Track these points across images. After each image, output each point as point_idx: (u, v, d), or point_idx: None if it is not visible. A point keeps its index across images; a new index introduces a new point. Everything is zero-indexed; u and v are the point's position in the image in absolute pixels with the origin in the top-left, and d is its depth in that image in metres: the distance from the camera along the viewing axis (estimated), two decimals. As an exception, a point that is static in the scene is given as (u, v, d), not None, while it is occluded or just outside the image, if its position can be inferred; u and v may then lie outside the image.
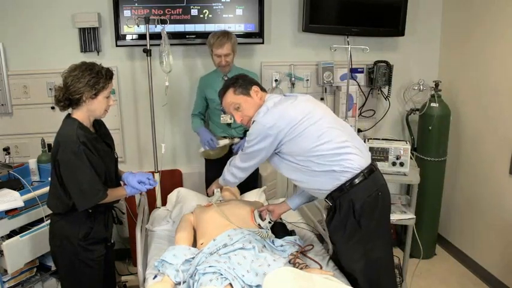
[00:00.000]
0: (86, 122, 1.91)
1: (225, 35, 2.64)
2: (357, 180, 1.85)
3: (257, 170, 3.02)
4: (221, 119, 2.79)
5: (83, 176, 1.83)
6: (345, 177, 1.84)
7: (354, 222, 1.85)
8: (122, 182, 2.11)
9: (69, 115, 1.93)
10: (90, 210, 1.93)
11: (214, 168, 2.87)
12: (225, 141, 2.76)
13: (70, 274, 1.98)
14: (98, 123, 2.04)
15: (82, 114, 1.90)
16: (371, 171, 1.88)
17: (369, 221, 1.86)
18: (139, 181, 2.05)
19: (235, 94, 2.04)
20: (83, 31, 2.89)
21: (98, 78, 1.87)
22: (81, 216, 1.92)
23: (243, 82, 2.05)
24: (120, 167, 3.12)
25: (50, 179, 1.96)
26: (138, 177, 2.06)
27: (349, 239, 1.90)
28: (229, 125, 2.81)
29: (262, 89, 2.10)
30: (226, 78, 2.78)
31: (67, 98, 1.85)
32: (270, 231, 2.17)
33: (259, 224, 2.19)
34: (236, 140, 2.79)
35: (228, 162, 2.22)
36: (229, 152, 2.82)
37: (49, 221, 2.16)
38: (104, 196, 1.89)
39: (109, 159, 2.01)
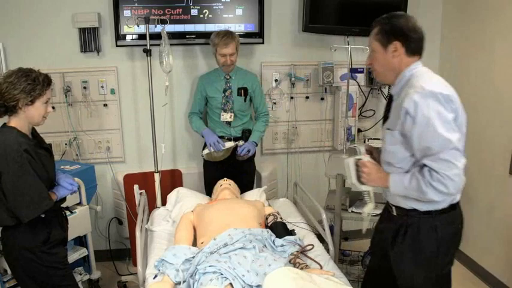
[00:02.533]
0: (25, 130, 1.86)
1: (230, 34, 2.65)
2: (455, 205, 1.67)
3: (254, 168, 3.02)
4: (221, 117, 2.79)
5: (28, 185, 1.78)
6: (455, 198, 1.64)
7: (433, 250, 1.68)
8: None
9: (4, 124, 1.86)
10: (43, 216, 1.88)
11: (213, 168, 2.87)
12: (230, 144, 2.77)
13: (42, 282, 1.93)
14: (33, 129, 1.97)
15: (20, 122, 1.84)
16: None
17: (446, 255, 1.71)
18: (70, 183, 2.01)
19: (375, 37, 1.70)
20: (83, 31, 2.89)
21: (34, 84, 1.81)
22: (36, 224, 1.85)
23: (390, 29, 1.65)
24: (120, 167, 3.16)
25: None
26: (68, 179, 2.02)
27: (418, 263, 1.71)
28: (228, 123, 2.81)
29: (413, 52, 1.68)
30: (228, 77, 2.79)
31: (2, 104, 1.80)
32: (270, 231, 2.17)
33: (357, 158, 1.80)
34: (241, 142, 2.79)
35: (413, 179, 1.62)
36: (232, 155, 2.82)
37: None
38: (49, 203, 1.84)
39: (50, 164, 1.96)
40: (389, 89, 3.30)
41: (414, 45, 1.67)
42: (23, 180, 1.78)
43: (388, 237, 1.80)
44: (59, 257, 1.97)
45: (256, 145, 2.86)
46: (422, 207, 1.67)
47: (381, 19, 1.71)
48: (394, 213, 1.78)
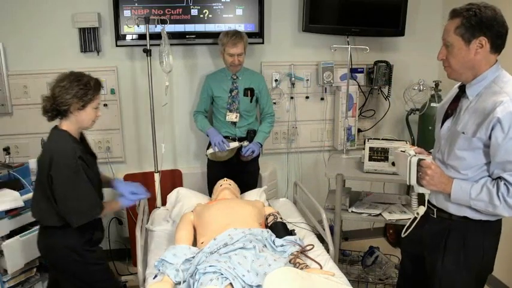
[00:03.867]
0: (75, 134, 1.90)
1: (238, 34, 2.65)
2: None
3: (258, 168, 3.01)
4: (227, 117, 2.79)
5: (81, 192, 1.81)
6: None
7: (478, 257, 1.66)
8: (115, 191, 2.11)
9: (56, 126, 1.89)
10: None
11: (217, 168, 2.87)
12: (235, 144, 2.76)
13: (85, 279, 1.94)
14: (80, 133, 2.02)
15: (71, 126, 1.87)
16: None
17: (488, 263, 1.70)
18: (132, 192, 2.05)
19: (455, 31, 1.54)
20: (83, 31, 2.89)
21: (86, 89, 1.83)
22: (82, 226, 1.87)
23: (477, 22, 1.49)
24: (120, 167, 3.17)
25: (33, 192, 1.95)
26: (130, 188, 2.06)
27: (461, 269, 1.67)
28: (234, 123, 2.80)
29: (497, 49, 1.53)
30: (234, 78, 2.78)
31: (54, 108, 1.83)
32: (270, 231, 2.16)
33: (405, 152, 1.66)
34: (245, 143, 2.79)
35: (490, 194, 1.53)
36: (237, 155, 2.81)
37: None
38: (100, 211, 1.90)
39: (96, 169, 1.99)
40: (389, 89, 3.30)
41: (500, 42, 1.52)
42: (77, 187, 1.80)
43: (425, 240, 1.76)
44: (98, 254, 2.01)
45: (261, 146, 2.86)
46: (476, 216, 1.60)
47: (463, 10, 1.52)
48: (434, 215, 1.72)
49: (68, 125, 1.87)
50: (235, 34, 2.64)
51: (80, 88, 1.82)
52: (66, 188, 1.78)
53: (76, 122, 1.88)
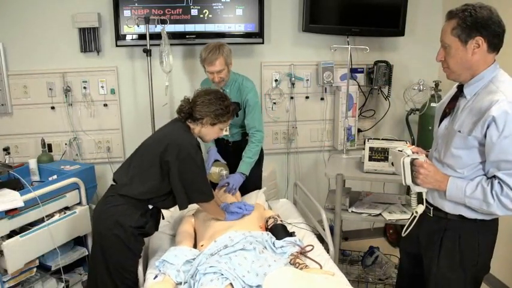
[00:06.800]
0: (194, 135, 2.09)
1: (216, 49, 2.41)
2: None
3: (261, 172, 2.90)
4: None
5: (202, 179, 2.02)
6: None
7: (473, 258, 1.66)
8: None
9: (183, 121, 2.05)
10: (151, 207, 2.03)
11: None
12: (215, 170, 2.58)
13: (115, 258, 1.95)
14: None
15: (194, 130, 2.06)
16: None
17: (484, 263, 1.70)
18: (239, 207, 2.25)
19: (452, 32, 1.53)
20: (83, 31, 2.89)
21: (224, 111, 2.03)
22: (142, 208, 1.98)
23: (473, 23, 1.49)
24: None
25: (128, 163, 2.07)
26: (237, 204, 2.27)
27: (456, 269, 1.67)
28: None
29: (495, 48, 1.54)
30: (222, 90, 2.53)
31: (190, 112, 2.01)
32: (270, 233, 2.16)
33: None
34: (225, 172, 2.56)
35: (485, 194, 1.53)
36: (236, 160, 2.63)
37: (56, 217, 2.38)
38: (211, 198, 2.07)
39: None
40: (389, 89, 3.30)
41: (497, 41, 1.52)
42: (201, 174, 2.01)
43: (422, 239, 1.77)
44: (140, 246, 2.03)
45: (246, 176, 2.55)
46: (471, 215, 1.60)
47: (459, 11, 1.51)
48: (431, 214, 1.72)
49: (192, 125, 2.05)
50: (213, 50, 2.40)
51: (221, 108, 2.01)
52: (191, 172, 1.95)
53: (199, 131, 2.06)
